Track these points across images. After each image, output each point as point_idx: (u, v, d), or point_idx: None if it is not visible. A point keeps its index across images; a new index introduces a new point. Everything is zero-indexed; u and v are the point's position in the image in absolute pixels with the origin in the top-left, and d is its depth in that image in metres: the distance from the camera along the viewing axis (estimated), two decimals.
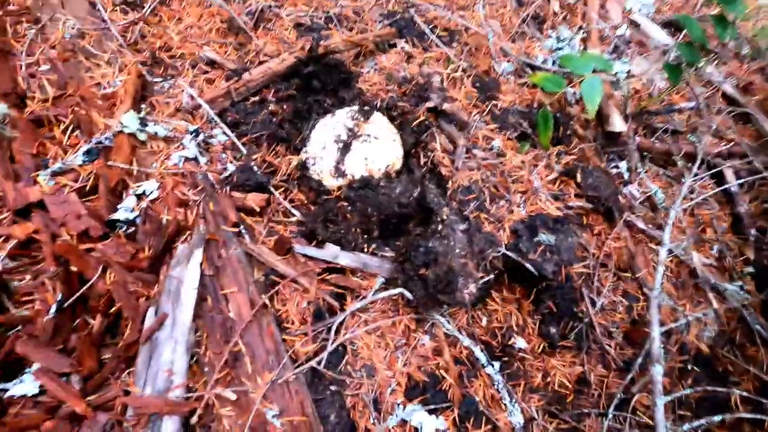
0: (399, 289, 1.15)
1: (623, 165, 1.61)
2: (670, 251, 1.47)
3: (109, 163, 1.12)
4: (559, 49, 1.80)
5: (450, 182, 1.37)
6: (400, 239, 1.23)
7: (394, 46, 1.62)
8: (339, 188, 1.24)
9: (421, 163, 1.34)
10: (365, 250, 1.20)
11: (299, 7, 1.66)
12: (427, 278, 1.15)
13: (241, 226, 1.15)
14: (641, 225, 1.51)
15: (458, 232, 1.23)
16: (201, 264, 1.04)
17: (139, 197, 1.10)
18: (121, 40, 1.36)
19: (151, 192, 1.11)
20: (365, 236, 1.21)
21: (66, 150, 1.15)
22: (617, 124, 1.60)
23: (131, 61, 1.31)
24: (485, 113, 1.55)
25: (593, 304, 1.35)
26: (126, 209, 1.07)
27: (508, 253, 1.28)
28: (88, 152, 1.12)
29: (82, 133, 1.18)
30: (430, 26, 1.69)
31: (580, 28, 1.92)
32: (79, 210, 1.02)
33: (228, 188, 1.18)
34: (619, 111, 1.63)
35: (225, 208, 1.14)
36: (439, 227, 1.21)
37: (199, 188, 1.16)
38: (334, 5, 1.69)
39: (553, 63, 1.76)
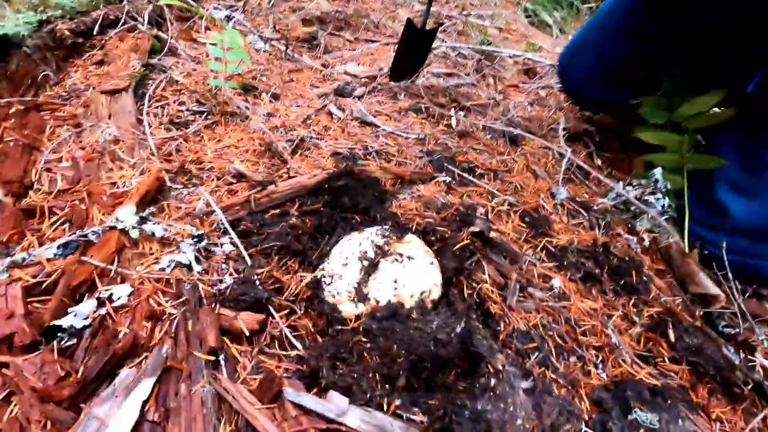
0: None
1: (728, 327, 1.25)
2: None
3: (83, 258, 0.92)
4: (620, 195, 1.65)
5: (502, 324, 1.06)
6: (436, 395, 0.86)
7: (434, 178, 1.52)
8: (358, 317, 0.95)
9: (465, 295, 1.06)
10: (385, 407, 0.83)
11: (339, 141, 1.67)
12: None
13: (221, 355, 0.85)
14: None
15: (520, 392, 0.86)
16: (146, 402, 0.72)
17: (103, 302, 0.86)
18: (153, 150, 1.33)
19: (119, 297, 0.87)
20: (387, 386, 0.86)
21: (44, 243, 0.97)
22: (708, 285, 1.29)
23: (157, 167, 1.25)
24: (539, 249, 1.32)
25: None
26: (78, 315, 0.82)
27: None
28: (65, 245, 0.94)
29: (72, 226, 1.02)
30: (472, 165, 1.62)
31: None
32: (14, 308, 0.78)
33: (218, 305, 0.93)
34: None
35: (205, 328, 0.87)
36: (492, 381, 0.86)
37: (182, 300, 0.91)
38: (374, 141, 1.69)
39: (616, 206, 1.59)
